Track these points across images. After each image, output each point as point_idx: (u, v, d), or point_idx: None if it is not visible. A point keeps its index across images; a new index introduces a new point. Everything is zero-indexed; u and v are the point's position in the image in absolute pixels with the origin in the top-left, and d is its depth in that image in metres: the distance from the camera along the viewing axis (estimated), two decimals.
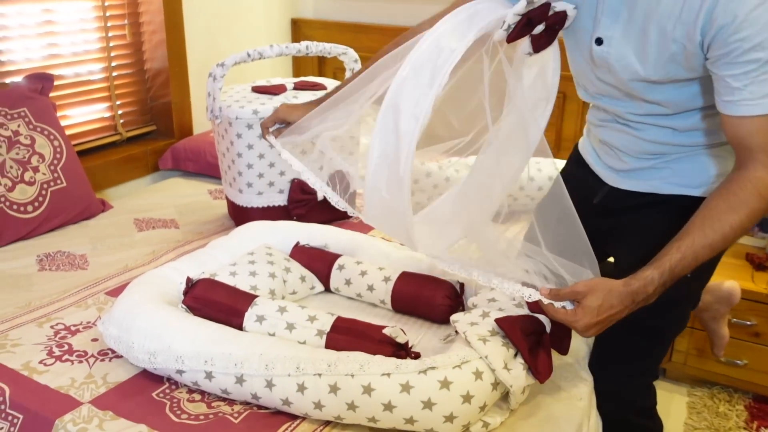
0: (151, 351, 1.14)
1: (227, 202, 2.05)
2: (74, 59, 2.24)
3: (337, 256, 1.50)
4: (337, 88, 1.38)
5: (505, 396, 1.07)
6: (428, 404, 0.98)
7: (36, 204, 1.90)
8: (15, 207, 1.86)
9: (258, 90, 1.94)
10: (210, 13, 2.59)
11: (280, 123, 1.51)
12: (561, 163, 1.54)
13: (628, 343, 1.25)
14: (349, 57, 1.98)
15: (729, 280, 1.89)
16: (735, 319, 2.15)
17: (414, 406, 0.97)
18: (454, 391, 0.98)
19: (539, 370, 1.05)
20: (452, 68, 0.96)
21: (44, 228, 1.92)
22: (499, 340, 1.07)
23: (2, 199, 1.83)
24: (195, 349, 1.10)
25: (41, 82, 2.05)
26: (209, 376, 1.10)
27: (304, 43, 1.89)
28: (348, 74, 2.04)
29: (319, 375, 1.01)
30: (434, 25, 1.04)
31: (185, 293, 1.28)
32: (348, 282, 1.45)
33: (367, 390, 0.99)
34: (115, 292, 1.58)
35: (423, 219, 1.26)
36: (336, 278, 1.47)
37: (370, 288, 1.42)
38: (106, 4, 2.28)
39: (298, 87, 1.98)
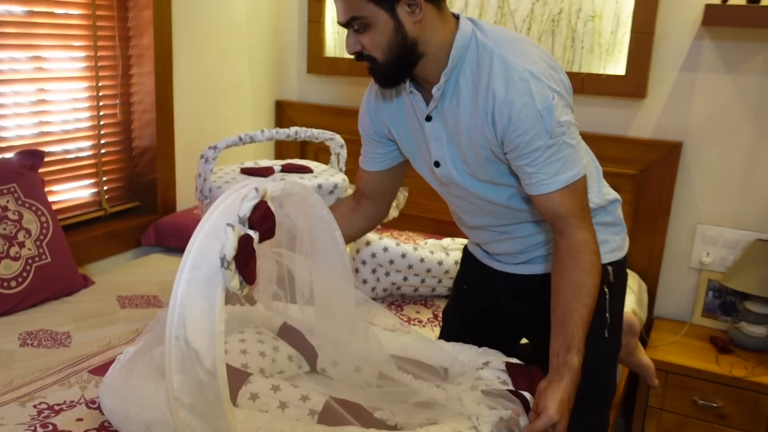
0: (147, 422, 1.16)
1: None
2: (65, 136, 2.31)
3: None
4: None
5: None
6: None
7: (20, 279, 1.91)
8: None
9: (247, 171, 2.01)
10: (198, 94, 2.70)
11: None
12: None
13: (583, 418, 1.33)
14: (336, 142, 2.08)
15: None
16: (701, 401, 2.23)
17: None
18: None
19: None
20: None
21: (26, 304, 1.92)
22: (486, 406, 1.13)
23: None
24: None
25: (32, 158, 2.10)
26: None
27: (293, 129, 1.99)
28: (333, 158, 2.14)
29: None
30: None
31: None
32: (335, 363, 1.49)
33: None
34: (99, 370, 1.59)
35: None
36: (324, 359, 1.51)
37: (357, 369, 1.46)
38: (100, 84, 2.37)
39: (286, 169, 2.06)
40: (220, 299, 0.95)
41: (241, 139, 1.90)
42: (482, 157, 1.28)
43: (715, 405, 2.21)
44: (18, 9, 2.11)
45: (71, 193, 2.37)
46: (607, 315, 1.39)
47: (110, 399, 1.25)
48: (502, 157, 1.27)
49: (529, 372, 1.28)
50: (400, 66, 1.24)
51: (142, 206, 2.59)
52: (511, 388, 1.22)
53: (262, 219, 1.00)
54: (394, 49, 1.21)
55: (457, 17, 1.28)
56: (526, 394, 1.20)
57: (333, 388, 1.45)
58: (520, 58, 1.21)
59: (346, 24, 1.23)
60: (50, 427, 1.35)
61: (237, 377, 1.28)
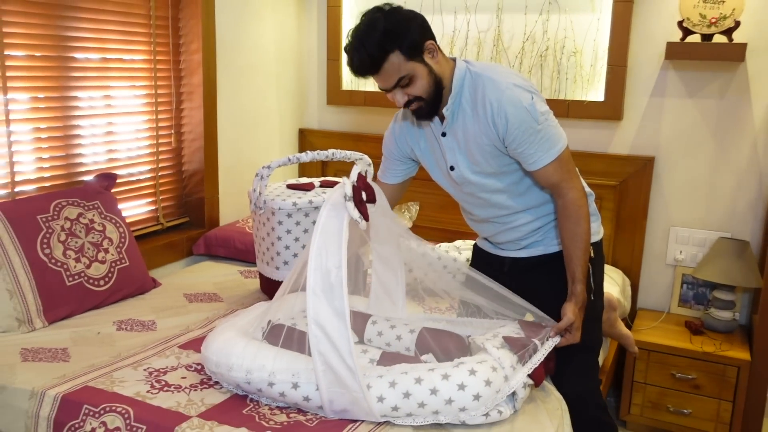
0: (248, 369, 1.54)
1: (261, 279, 2.47)
2: (129, 162, 2.71)
3: (369, 315, 1.93)
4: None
5: (511, 396, 1.51)
6: (461, 386, 1.40)
7: (106, 279, 2.30)
8: (91, 281, 2.25)
9: (292, 187, 2.42)
10: (237, 125, 3.11)
11: None
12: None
13: (578, 360, 1.77)
14: (364, 161, 2.48)
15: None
16: (679, 374, 2.62)
17: (452, 389, 1.39)
18: (479, 377, 1.41)
19: (535, 376, 1.50)
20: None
21: (112, 299, 2.31)
22: (507, 350, 1.52)
23: (82, 275, 2.23)
24: (284, 366, 1.51)
25: (107, 180, 2.50)
26: (295, 386, 1.50)
27: (330, 151, 2.39)
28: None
29: (380, 376, 1.43)
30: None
31: (264, 333, 1.70)
32: (380, 333, 1.87)
33: (418, 381, 1.41)
34: (186, 346, 1.97)
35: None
36: (370, 331, 1.89)
37: (398, 338, 1.85)
38: (159, 117, 2.78)
39: (324, 185, 2.47)
40: (346, 220, 1.46)
41: (290, 159, 2.30)
42: (488, 154, 1.71)
43: (690, 377, 2.60)
44: (95, 56, 2.53)
45: (134, 209, 2.77)
46: (592, 283, 1.79)
47: (215, 354, 1.63)
48: (503, 150, 1.70)
49: (537, 327, 1.67)
50: (437, 98, 1.68)
51: (192, 221, 2.99)
52: (524, 337, 1.62)
53: (365, 184, 1.51)
54: (431, 86, 1.65)
55: (453, 59, 1.74)
56: (536, 340, 1.60)
57: (382, 349, 1.84)
58: (502, 76, 1.68)
59: (394, 86, 1.64)
60: (163, 382, 1.73)
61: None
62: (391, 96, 1.68)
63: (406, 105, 1.68)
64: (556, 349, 1.66)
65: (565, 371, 1.73)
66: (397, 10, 1.63)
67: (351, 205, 1.47)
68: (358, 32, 1.60)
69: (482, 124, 1.68)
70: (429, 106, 1.68)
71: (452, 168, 1.79)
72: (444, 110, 1.70)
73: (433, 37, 1.67)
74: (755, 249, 2.77)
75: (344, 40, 3.34)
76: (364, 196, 1.51)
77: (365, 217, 1.51)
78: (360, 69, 1.62)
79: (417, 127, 1.84)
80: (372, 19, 1.60)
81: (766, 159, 2.73)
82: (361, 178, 1.54)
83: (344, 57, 3.41)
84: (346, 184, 1.51)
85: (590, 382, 1.80)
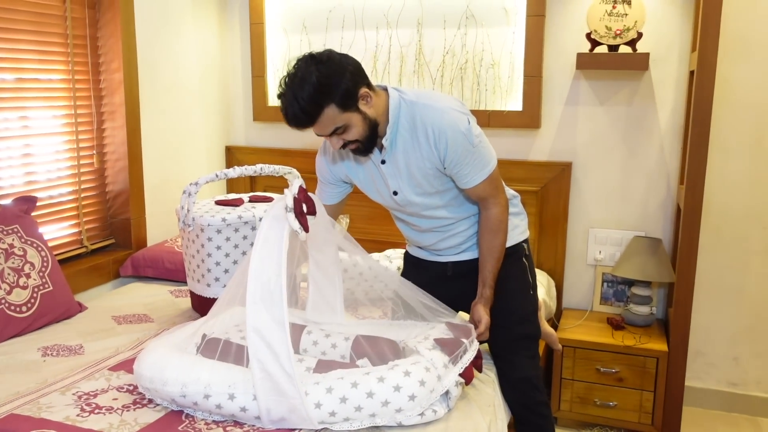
0: (183, 382, 1.53)
1: (192, 298, 2.44)
2: (49, 184, 2.63)
3: (304, 326, 1.95)
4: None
5: (445, 395, 1.55)
6: (397, 388, 1.44)
7: (29, 305, 2.22)
8: (12, 308, 2.17)
9: (221, 203, 2.41)
10: (162, 144, 3.07)
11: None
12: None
13: (525, 348, 1.89)
14: (293, 175, 2.50)
15: None
16: (603, 369, 2.74)
17: (387, 391, 1.42)
18: (413, 378, 1.45)
19: (465, 375, 1.55)
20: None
21: (36, 326, 2.23)
22: (438, 350, 1.57)
23: (3, 301, 2.15)
24: (220, 377, 1.50)
25: (27, 203, 2.42)
26: (231, 397, 1.50)
27: (258, 166, 2.39)
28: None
29: (317, 383, 1.45)
30: None
31: (198, 347, 1.68)
32: (315, 343, 1.89)
33: (354, 385, 1.44)
34: (117, 368, 1.93)
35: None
36: (305, 341, 1.91)
37: (334, 346, 1.87)
38: (79, 137, 2.71)
39: (253, 200, 2.47)
40: (286, 231, 1.48)
41: (217, 175, 2.29)
42: (430, 176, 1.80)
43: (614, 370, 2.73)
44: (9, 77, 2.45)
45: (56, 232, 2.68)
46: (530, 278, 1.89)
47: (148, 370, 1.61)
48: (442, 171, 1.79)
49: (464, 328, 1.73)
50: (373, 137, 1.74)
51: (118, 242, 2.92)
52: (452, 337, 1.67)
53: (305, 197, 1.53)
54: (366, 130, 1.70)
55: (384, 88, 1.78)
56: (464, 340, 1.65)
57: (318, 358, 1.86)
58: (437, 102, 1.75)
59: (330, 134, 1.69)
60: (93, 405, 1.69)
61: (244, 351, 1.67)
62: (327, 139, 1.73)
63: (343, 147, 1.72)
64: (505, 341, 1.78)
65: (515, 359, 1.83)
66: (331, 60, 1.63)
67: (292, 216, 1.50)
68: (292, 84, 1.60)
69: (424, 149, 1.75)
70: (365, 145, 1.74)
71: (395, 193, 1.86)
72: (383, 140, 1.76)
73: (366, 82, 1.69)
74: (667, 246, 2.95)
75: (269, 64, 3.39)
76: (304, 207, 1.54)
77: (305, 228, 1.54)
78: (295, 122, 1.63)
79: (351, 156, 1.89)
80: (305, 72, 1.59)
81: (672, 161, 2.91)
82: (302, 190, 1.57)
83: (269, 72, 3.46)
84: (287, 196, 1.54)
85: (537, 368, 1.92)
